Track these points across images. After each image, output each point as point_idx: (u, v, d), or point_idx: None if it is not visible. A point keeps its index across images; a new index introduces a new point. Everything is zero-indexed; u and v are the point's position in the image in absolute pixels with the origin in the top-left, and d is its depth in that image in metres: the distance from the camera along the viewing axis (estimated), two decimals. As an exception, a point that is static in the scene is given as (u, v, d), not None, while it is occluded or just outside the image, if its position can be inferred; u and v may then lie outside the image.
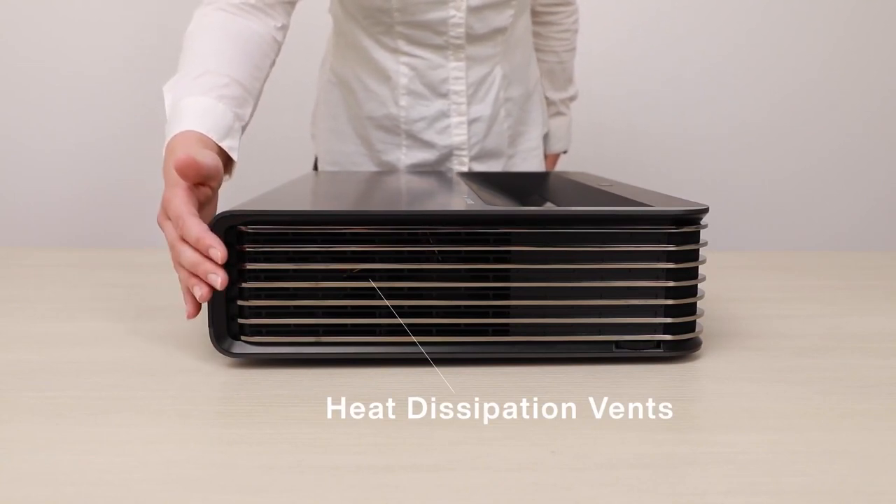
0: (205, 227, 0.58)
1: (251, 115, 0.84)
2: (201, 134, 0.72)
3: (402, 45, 1.07)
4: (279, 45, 0.91)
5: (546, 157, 1.32)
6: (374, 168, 1.16)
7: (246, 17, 0.86)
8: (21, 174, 1.95)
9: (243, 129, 0.81)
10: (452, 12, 1.04)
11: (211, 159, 0.65)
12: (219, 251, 0.56)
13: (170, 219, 0.63)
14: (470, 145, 1.13)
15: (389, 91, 1.10)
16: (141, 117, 1.90)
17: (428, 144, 1.12)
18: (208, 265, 0.57)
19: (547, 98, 1.31)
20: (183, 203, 0.62)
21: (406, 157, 1.13)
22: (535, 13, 1.25)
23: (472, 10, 1.04)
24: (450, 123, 1.11)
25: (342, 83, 1.15)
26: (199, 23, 0.84)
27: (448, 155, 1.13)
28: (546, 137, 1.31)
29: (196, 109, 0.74)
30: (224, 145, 0.74)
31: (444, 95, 1.10)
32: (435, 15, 1.03)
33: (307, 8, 1.17)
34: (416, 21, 1.04)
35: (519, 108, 1.18)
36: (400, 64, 1.08)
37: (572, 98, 1.36)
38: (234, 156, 0.76)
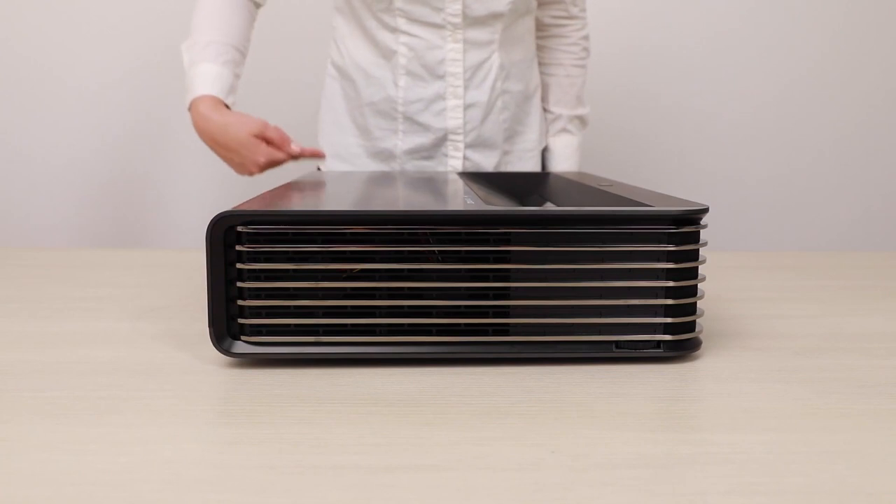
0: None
1: (242, 72, 1.15)
2: (215, 97, 1.08)
3: (402, 24, 1.10)
4: (257, 8, 1.17)
5: None
6: (370, 159, 1.18)
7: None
8: (21, 174, 1.95)
9: (239, 77, 1.14)
10: None
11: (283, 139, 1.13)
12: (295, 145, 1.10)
13: (269, 141, 1.10)
14: (466, 131, 1.14)
15: (390, 72, 1.13)
16: (142, 118, 1.90)
17: (424, 127, 1.14)
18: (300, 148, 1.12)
19: (551, 112, 1.28)
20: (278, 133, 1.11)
21: (402, 142, 1.15)
22: (543, 26, 1.26)
23: None
24: (446, 106, 1.13)
25: (342, 75, 1.19)
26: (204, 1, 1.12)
27: (443, 138, 1.15)
28: (548, 155, 1.28)
29: (209, 75, 1.08)
30: (228, 101, 1.11)
31: (441, 77, 1.12)
32: None
33: (310, 10, 1.18)
34: None
35: (516, 105, 1.19)
36: (399, 44, 1.11)
37: (582, 120, 1.30)
38: (232, 108, 1.11)
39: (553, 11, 1.25)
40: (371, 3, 1.11)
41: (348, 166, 1.20)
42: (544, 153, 1.29)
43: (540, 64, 1.27)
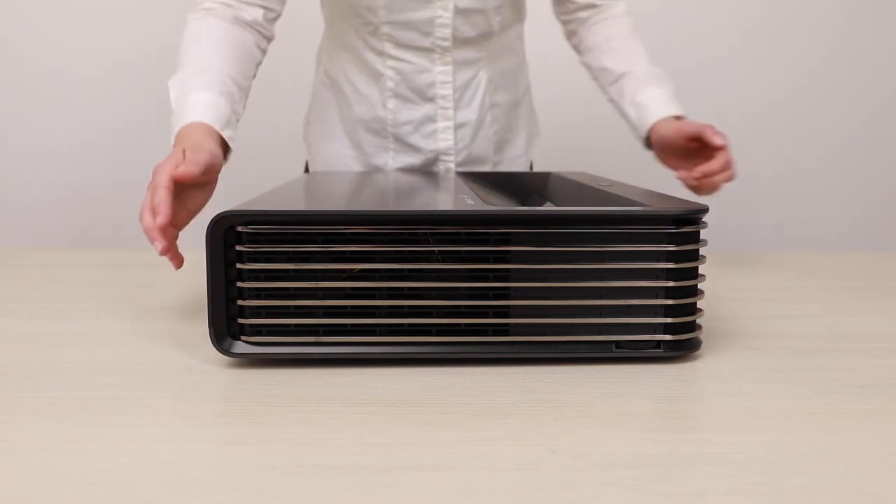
0: (166, 199, 0.66)
1: (242, 112, 0.92)
2: (207, 125, 0.81)
3: (389, 48, 1.06)
4: (263, 53, 1.00)
5: (653, 129, 1.04)
6: (363, 170, 1.16)
7: (237, 29, 0.94)
8: (21, 174, 1.95)
9: (237, 121, 0.90)
10: (439, 12, 1.03)
11: (209, 155, 0.74)
12: (162, 217, 0.65)
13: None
14: (457, 150, 1.12)
15: (378, 93, 1.10)
16: (141, 117, 1.90)
17: (414, 148, 1.12)
18: (154, 234, 0.66)
19: (614, 73, 1.08)
20: (165, 174, 0.68)
21: (393, 160, 1.13)
22: (564, 25, 1.16)
23: (460, 12, 1.03)
24: (436, 128, 1.11)
25: (334, 85, 1.15)
26: (197, 26, 0.92)
27: (434, 160, 1.13)
28: (640, 111, 1.05)
29: (201, 103, 0.83)
30: (224, 135, 0.83)
31: (430, 100, 1.09)
32: (421, 14, 1.03)
33: (301, 11, 1.18)
34: (403, 20, 1.04)
35: (505, 115, 1.16)
36: (387, 67, 1.08)
37: (653, 76, 1.08)
38: (231, 145, 0.85)
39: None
40: (357, 26, 1.07)
41: None
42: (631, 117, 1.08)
43: (588, 52, 1.12)
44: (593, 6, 1.13)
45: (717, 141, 0.91)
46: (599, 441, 0.45)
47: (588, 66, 1.14)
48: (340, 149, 1.17)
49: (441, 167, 1.13)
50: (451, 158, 1.13)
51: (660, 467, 0.42)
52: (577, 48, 1.16)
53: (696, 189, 0.96)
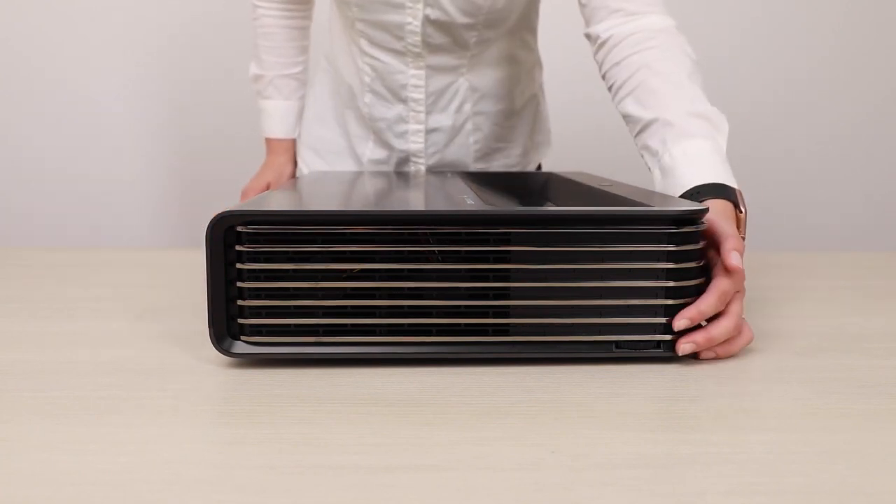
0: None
1: (305, 84, 1.24)
2: (286, 140, 1.22)
3: (365, 45, 1.06)
4: (308, 21, 1.23)
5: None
6: (348, 156, 1.17)
7: (293, 15, 1.19)
8: (21, 174, 1.95)
9: (302, 98, 1.23)
10: (409, 19, 1.01)
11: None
12: None
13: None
14: (427, 154, 1.12)
15: (359, 85, 1.11)
16: (142, 118, 1.90)
17: (387, 145, 1.13)
18: None
19: (640, 121, 0.81)
20: (248, 191, 1.20)
21: (371, 152, 1.14)
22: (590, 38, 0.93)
23: (430, 22, 1.00)
24: (407, 130, 1.10)
25: (331, 69, 1.18)
26: (266, 24, 1.18)
27: (405, 160, 1.13)
28: (665, 178, 0.76)
29: (277, 114, 1.21)
30: (294, 136, 1.23)
31: (403, 101, 1.09)
32: (391, 18, 1.01)
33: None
34: (374, 20, 1.03)
35: (494, 124, 1.12)
36: (364, 63, 1.08)
37: (699, 115, 0.79)
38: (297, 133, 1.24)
39: (607, 22, 0.88)
40: (340, 17, 1.08)
41: (321, 162, 1.19)
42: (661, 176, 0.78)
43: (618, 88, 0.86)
44: (614, 12, 0.88)
45: (730, 260, 0.60)
46: (599, 441, 0.45)
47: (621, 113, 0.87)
48: (327, 132, 1.18)
49: (411, 167, 1.13)
50: (422, 161, 1.12)
51: (660, 467, 0.42)
52: (608, 87, 0.90)
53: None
